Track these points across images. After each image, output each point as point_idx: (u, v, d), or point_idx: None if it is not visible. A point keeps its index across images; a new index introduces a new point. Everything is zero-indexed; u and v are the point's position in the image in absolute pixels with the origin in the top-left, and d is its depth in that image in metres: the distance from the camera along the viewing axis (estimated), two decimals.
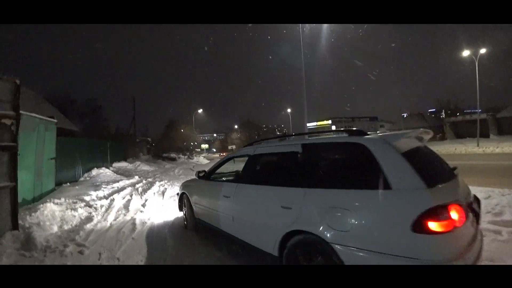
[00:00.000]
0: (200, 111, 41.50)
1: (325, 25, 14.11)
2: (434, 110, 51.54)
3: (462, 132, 31.01)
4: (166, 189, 8.78)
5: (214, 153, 72.04)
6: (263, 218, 2.66)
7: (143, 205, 6.19)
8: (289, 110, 55.27)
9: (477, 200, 2.26)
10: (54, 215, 4.54)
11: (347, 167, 2.24)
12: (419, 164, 1.89)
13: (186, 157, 33.11)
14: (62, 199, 5.49)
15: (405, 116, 46.47)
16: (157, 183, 10.07)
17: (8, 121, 3.79)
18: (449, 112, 40.99)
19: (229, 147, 23.56)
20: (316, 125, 64.65)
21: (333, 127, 60.67)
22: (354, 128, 2.62)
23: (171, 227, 4.51)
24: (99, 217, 5.06)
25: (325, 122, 63.34)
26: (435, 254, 1.60)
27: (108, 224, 4.65)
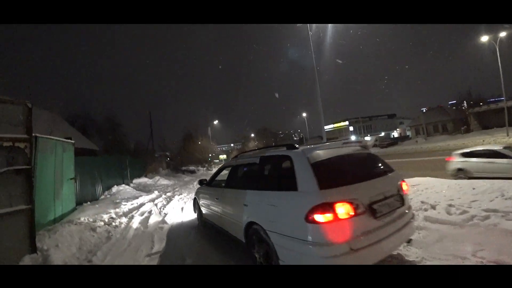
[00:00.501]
0: (215, 122, 41.92)
1: (339, 26, 13.78)
2: (454, 102, 49.43)
3: (488, 122, 29.44)
4: (185, 202, 8.68)
5: None
6: (235, 213, 3.49)
7: (162, 221, 6.08)
8: (304, 115, 54.78)
9: (400, 199, 2.66)
10: (73, 235, 4.47)
11: (280, 174, 2.87)
12: (328, 170, 2.45)
13: (205, 168, 33.34)
14: (82, 219, 5.46)
15: (424, 110, 44.80)
16: (176, 197, 10.04)
17: (21, 145, 3.77)
18: (471, 102, 39.07)
19: None
20: (333, 127, 63.19)
21: (351, 128, 59.17)
22: (294, 143, 3.39)
23: (189, 245, 4.32)
24: (118, 236, 4.98)
25: (342, 124, 61.75)
26: (321, 239, 2.09)
27: (127, 243, 4.55)
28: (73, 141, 6.76)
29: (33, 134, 4.17)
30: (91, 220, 5.55)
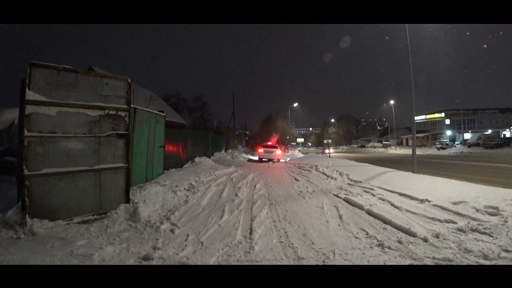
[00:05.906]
0: (295, 104, 41.61)
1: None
2: None
3: None
4: (258, 180, 8.92)
5: (309, 147, 70.60)
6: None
7: (235, 194, 6.41)
8: (392, 102, 49.45)
9: (273, 151, 18.02)
10: (158, 195, 5.18)
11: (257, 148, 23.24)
12: (265, 146, 18.86)
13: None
14: (167, 182, 6.25)
15: None
16: (251, 174, 10.42)
17: (123, 113, 4.47)
18: None
19: (325, 141, 24.84)
20: (425, 118, 54.63)
21: (447, 121, 50.03)
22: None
23: (258, 221, 4.35)
24: (194, 201, 5.51)
25: (436, 115, 52.63)
26: (260, 154, 18.34)
27: (201, 209, 4.99)
28: (164, 114, 7.69)
29: (132, 106, 4.89)
30: (174, 184, 6.31)
